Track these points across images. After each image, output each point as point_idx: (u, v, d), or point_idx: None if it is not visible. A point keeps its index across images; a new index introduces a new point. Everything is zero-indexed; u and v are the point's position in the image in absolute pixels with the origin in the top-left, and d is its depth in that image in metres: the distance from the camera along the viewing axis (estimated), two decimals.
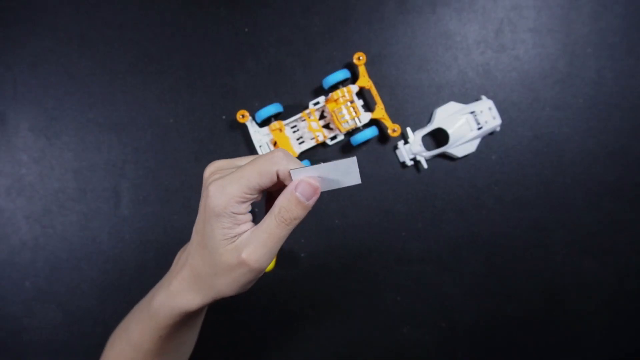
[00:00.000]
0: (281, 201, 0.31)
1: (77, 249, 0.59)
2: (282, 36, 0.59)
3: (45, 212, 0.58)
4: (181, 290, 0.35)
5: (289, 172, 0.31)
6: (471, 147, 0.58)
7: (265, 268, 0.32)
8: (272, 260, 0.32)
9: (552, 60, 0.59)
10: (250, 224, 0.33)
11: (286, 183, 0.32)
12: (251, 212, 0.33)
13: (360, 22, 0.59)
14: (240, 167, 0.32)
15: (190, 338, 0.41)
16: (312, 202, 0.32)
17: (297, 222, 0.32)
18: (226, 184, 0.31)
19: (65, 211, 0.58)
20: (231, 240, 0.32)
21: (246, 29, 0.59)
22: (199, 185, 0.60)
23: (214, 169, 0.34)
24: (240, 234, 0.32)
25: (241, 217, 0.32)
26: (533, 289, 0.60)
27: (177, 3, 0.59)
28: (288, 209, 0.31)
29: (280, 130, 0.56)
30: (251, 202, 0.32)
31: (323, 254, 0.60)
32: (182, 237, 0.59)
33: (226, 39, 0.59)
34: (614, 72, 0.59)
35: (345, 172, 0.32)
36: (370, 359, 0.61)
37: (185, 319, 0.36)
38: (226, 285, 0.33)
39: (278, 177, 0.31)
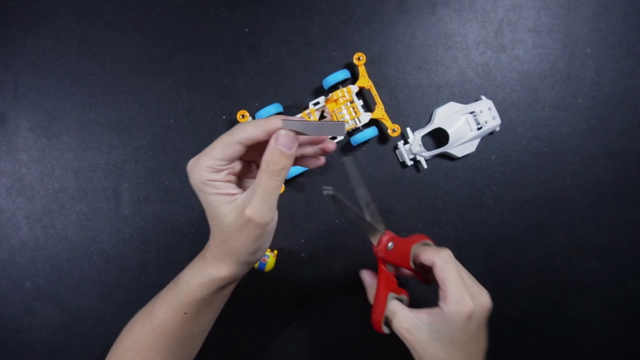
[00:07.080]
0: (266, 156, 0.34)
1: (77, 249, 0.59)
2: (282, 36, 0.59)
3: (45, 212, 0.58)
4: (208, 262, 0.38)
5: (280, 123, 0.33)
6: (471, 147, 0.58)
7: (269, 220, 0.35)
8: (274, 212, 0.35)
9: (552, 60, 0.59)
10: (239, 188, 0.36)
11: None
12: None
13: (360, 22, 0.59)
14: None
15: (203, 328, 0.43)
16: (293, 150, 0.34)
17: (285, 171, 0.34)
18: (198, 159, 0.35)
19: (66, 211, 0.58)
20: (227, 201, 0.34)
21: (246, 29, 0.59)
22: None
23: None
24: (233, 194, 0.35)
25: (221, 184, 0.35)
26: (533, 289, 0.60)
27: (177, 3, 0.59)
28: (274, 162, 0.33)
29: None
30: (227, 172, 0.35)
31: (323, 254, 0.60)
32: (182, 237, 0.59)
33: (226, 39, 0.59)
34: (614, 72, 0.59)
35: (332, 130, 0.35)
36: (371, 358, 0.61)
37: (212, 294, 0.38)
38: (241, 243, 0.35)
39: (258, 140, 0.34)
